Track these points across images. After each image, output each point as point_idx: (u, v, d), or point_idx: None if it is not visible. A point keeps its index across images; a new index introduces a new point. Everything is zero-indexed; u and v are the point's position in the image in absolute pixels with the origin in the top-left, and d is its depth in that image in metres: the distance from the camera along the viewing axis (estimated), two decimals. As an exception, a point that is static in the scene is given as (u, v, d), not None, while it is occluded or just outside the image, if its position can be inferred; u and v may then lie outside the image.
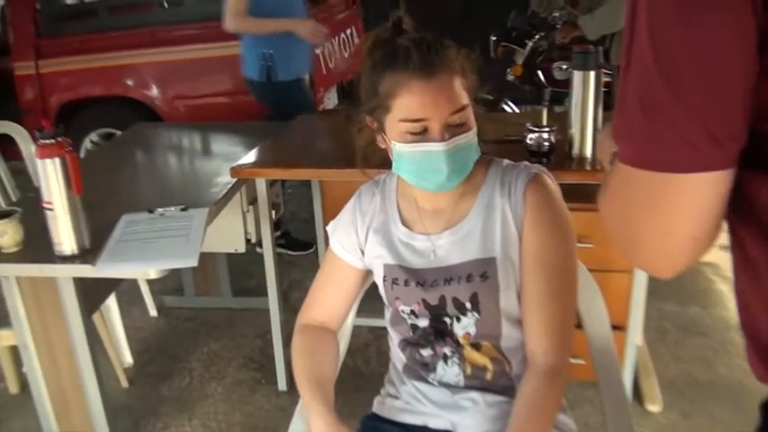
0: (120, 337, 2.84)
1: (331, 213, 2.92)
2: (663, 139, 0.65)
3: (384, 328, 3.00)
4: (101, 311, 2.58)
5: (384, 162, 1.37)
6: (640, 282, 2.28)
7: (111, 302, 2.75)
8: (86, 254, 1.80)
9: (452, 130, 1.24)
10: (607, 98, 2.16)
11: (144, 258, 1.78)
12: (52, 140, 1.72)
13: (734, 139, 0.65)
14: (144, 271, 1.80)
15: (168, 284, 3.40)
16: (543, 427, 1.27)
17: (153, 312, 3.25)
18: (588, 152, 2.13)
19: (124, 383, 2.75)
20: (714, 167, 0.65)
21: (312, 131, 2.95)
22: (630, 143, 0.69)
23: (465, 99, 1.26)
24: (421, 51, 1.23)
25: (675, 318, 3.01)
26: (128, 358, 2.88)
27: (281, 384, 2.70)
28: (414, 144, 1.25)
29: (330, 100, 4.45)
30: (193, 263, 1.76)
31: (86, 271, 1.76)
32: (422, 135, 1.24)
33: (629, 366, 2.32)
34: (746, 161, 0.67)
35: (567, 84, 2.15)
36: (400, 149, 1.28)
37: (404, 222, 1.39)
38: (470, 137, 1.27)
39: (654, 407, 2.46)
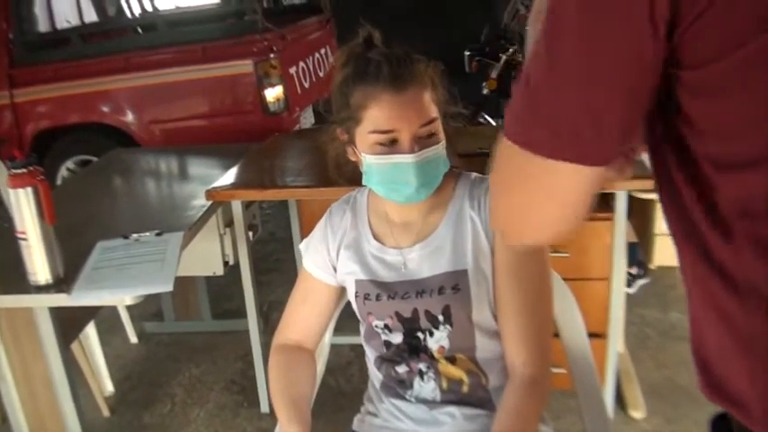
0: (101, 366, 2.81)
1: (308, 233, 2.94)
2: (534, 121, 0.69)
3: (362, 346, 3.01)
4: (80, 340, 2.56)
5: (354, 175, 1.38)
6: (618, 289, 2.29)
7: (90, 330, 2.73)
8: (61, 283, 1.79)
9: (422, 142, 1.26)
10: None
11: (119, 285, 1.77)
12: (24, 170, 1.71)
13: (603, 144, 0.68)
14: (120, 297, 1.79)
15: (148, 310, 3.38)
16: (525, 437, 1.28)
17: (133, 339, 3.22)
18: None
19: (105, 412, 2.72)
20: (574, 161, 0.68)
21: (288, 151, 2.95)
22: (510, 117, 0.71)
23: (434, 112, 1.28)
24: (391, 65, 1.25)
25: (657, 324, 3.03)
26: (109, 387, 2.85)
27: (263, 406, 2.68)
28: (383, 156, 1.26)
29: (306, 119, 4.46)
30: (168, 287, 1.75)
31: (62, 300, 1.74)
32: (391, 147, 1.26)
33: (610, 373, 2.33)
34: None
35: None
36: (370, 161, 1.29)
37: (375, 237, 1.40)
38: (439, 149, 1.29)
39: (637, 413, 2.47)
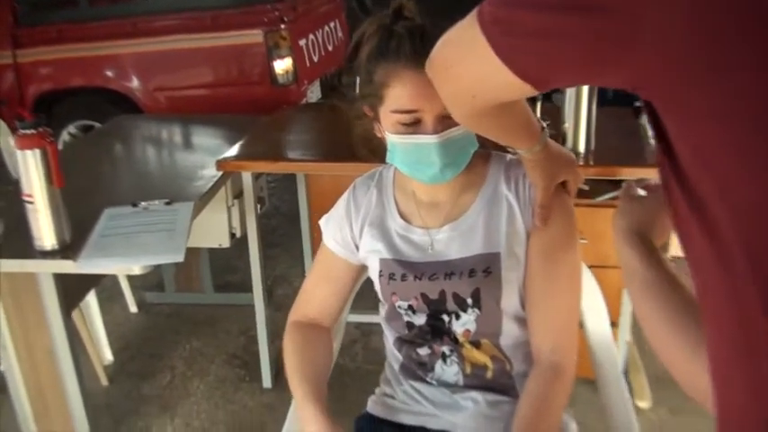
0: (100, 335, 2.77)
1: (317, 208, 2.91)
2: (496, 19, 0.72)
3: (371, 325, 2.98)
4: (80, 308, 2.51)
5: (382, 151, 1.33)
6: (632, 278, 2.26)
7: (91, 299, 2.68)
8: (67, 249, 1.74)
9: (446, 122, 1.19)
10: (602, 90, 2.13)
11: (128, 254, 1.72)
12: (33, 131, 1.66)
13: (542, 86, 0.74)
14: (128, 266, 1.73)
15: (149, 280, 3.33)
16: (550, 426, 1.24)
17: (133, 309, 3.18)
18: (582, 147, 2.10)
19: (104, 382, 2.68)
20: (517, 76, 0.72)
21: (297, 124, 2.90)
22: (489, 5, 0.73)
23: None
24: (413, 41, 1.18)
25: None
26: (108, 356, 2.81)
27: (266, 382, 2.65)
28: (406, 136, 1.21)
29: (313, 93, 4.39)
30: (179, 258, 1.70)
31: (68, 266, 1.69)
32: (414, 126, 1.20)
33: (620, 363, 2.30)
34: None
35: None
36: (393, 141, 1.23)
37: (401, 215, 1.35)
38: (466, 129, 1.23)
39: (643, 403, 2.45)
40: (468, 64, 0.81)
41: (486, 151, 1.33)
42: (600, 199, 2.13)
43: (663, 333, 0.81)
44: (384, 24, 1.23)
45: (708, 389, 0.73)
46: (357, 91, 1.28)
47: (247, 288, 3.29)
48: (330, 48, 4.57)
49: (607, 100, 2.25)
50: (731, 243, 0.57)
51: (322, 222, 1.45)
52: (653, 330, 0.83)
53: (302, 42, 4.02)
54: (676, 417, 2.41)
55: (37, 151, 1.66)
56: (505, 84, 0.75)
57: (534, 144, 1.21)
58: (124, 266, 1.74)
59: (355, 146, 1.37)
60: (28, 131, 1.66)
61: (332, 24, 4.65)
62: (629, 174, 2.11)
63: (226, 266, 3.47)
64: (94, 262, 1.68)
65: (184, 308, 3.23)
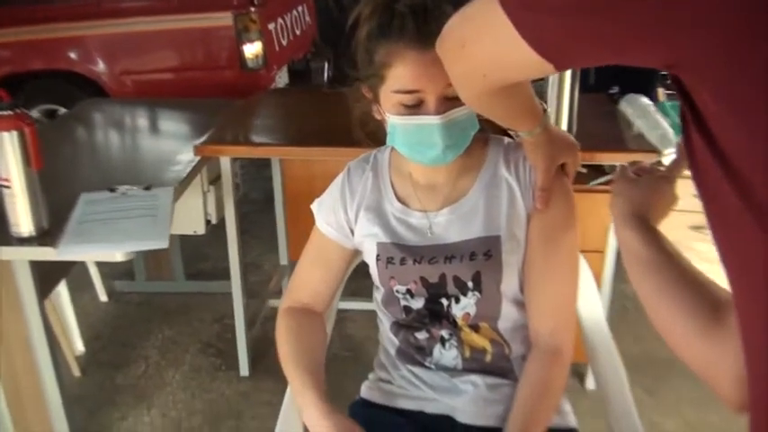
0: (72, 324, 2.70)
1: (291, 193, 2.87)
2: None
3: (345, 312, 2.97)
4: (50, 298, 2.44)
5: (377, 134, 1.31)
6: (612, 262, 2.29)
7: (62, 288, 2.61)
8: (45, 235, 1.68)
9: (449, 103, 1.18)
10: (584, 76, 2.13)
11: (109, 240, 1.67)
12: (9, 112, 1.59)
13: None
14: (110, 253, 1.68)
15: (118, 269, 3.26)
16: (549, 410, 1.25)
17: (103, 298, 3.11)
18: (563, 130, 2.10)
19: (76, 372, 2.62)
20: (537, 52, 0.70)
21: (269, 109, 2.86)
22: None
23: None
24: (417, 19, 1.16)
25: (634, 298, 3.00)
26: (79, 346, 2.75)
27: (243, 370, 2.62)
28: (408, 117, 1.19)
29: (281, 79, 4.33)
30: (164, 244, 1.66)
31: (48, 254, 1.64)
32: (416, 108, 1.18)
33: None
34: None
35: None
36: (394, 122, 1.21)
37: (398, 198, 1.33)
38: (468, 110, 1.21)
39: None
40: (485, 42, 0.80)
41: (485, 134, 1.32)
42: (592, 184, 2.15)
43: (667, 312, 0.80)
44: (384, 3, 1.21)
45: (717, 363, 0.73)
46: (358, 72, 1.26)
47: (219, 276, 3.25)
48: (298, 32, 4.52)
49: (588, 86, 2.26)
50: None
51: (314, 206, 1.42)
52: (657, 310, 0.82)
53: (271, 26, 3.97)
54: (652, 397, 2.46)
55: (14, 133, 1.60)
56: (523, 62, 0.74)
57: (536, 126, 1.20)
58: (107, 253, 1.68)
59: (353, 129, 1.35)
60: (5, 113, 1.59)
61: (300, 8, 4.60)
62: (609, 159, 2.14)
63: (196, 254, 3.42)
64: (75, 249, 1.63)
65: (155, 296, 3.17)
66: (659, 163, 1.12)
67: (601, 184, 2.13)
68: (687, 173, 1.13)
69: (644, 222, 0.95)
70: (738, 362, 0.69)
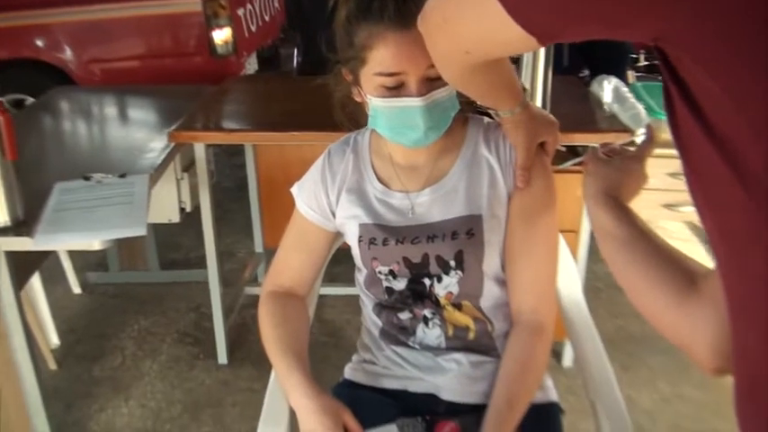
0: (46, 317, 2.66)
1: (265, 180, 2.86)
2: None
3: (323, 297, 2.96)
4: (24, 290, 2.41)
5: (357, 117, 1.31)
6: (586, 242, 2.32)
7: (35, 280, 2.57)
8: (21, 225, 1.66)
9: (430, 84, 1.18)
10: (557, 58, 2.15)
11: (87, 228, 1.65)
12: (-18, 101, 1.56)
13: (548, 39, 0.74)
14: (88, 241, 1.67)
15: (91, 260, 3.23)
16: (533, 385, 1.27)
17: (77, 290, 3.07)
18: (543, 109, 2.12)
19: (52, 366, 2.59)
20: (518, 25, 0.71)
21: (242, 95, 2.84)
22: None
23: None
24: (397, 1, 1.16)
25: (607, 278, 3.09)
26: (54, 339, 2.72)
27: (222, 358, 2.61)
28: (390, 99, 1.19)
29: (251, 65, 4.30)
30: (142, 231, 1.65)
31: (25, 243, 1.61)
32: (398, 89, 1.19)
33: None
34: None
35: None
36: (376, 104, 1.21)
37: (379, 180, 1.34)
38: (449, 90, 1.22)
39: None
40: (468, 18, 0.80)
41: (464, 115, 1.33)
42: (564, 165, 2.17)
43: (642, 287, 0.82)
44: None
45: (693, 332, 0.75)
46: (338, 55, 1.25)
47: (193, 265, 3.24)
48: (267, 18, 4.49)
49: (562, 68, 2.28)
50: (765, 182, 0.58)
51: (294, 190, 1.42)
52: (632, 285, 0.84)
53: (240, 12, 3.93)
54: (628, 373, 2.51)
55: (-13, 122, 1.57)
56: (507, 38, 0.74)
57: (516, 105, 1.21)
58: (84, 241, 1.67)
59: (334, 112, 1.34)
60: (-24, 102, 1.56)
61: (269, -5, 4.56)
62: (583, 139, 2.16)
63: (169, 244, 3.39)
64: (53, 238, 1.61)
65: (130, 287, 3.14)
66: (630, 143, 1.15)
67: (574, 165, 2.15)
68: (658, 152, 1.16)
69: (615, 200, 0.97)
70: (713, 329, 0.71)
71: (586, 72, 3.45)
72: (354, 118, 1.33)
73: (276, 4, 4.75)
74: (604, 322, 2.80)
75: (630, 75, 3.41)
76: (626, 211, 0.94)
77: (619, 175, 1.03)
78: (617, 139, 1.19)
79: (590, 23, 0.70)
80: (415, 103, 1.18)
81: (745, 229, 0.62)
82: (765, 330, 0.63)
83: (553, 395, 1.39)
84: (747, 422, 0.68)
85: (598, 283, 3.04)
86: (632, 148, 1.14)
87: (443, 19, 0.86)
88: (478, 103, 1.24)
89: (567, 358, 2.57)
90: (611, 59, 3.29)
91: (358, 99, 1.27)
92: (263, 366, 1.33)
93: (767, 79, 0.57)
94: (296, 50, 4.72)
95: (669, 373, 2.48)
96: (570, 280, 1.56)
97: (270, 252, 1.40)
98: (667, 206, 3.04)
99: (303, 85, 2.92)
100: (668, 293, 0.78)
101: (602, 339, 2.69)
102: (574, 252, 2.29)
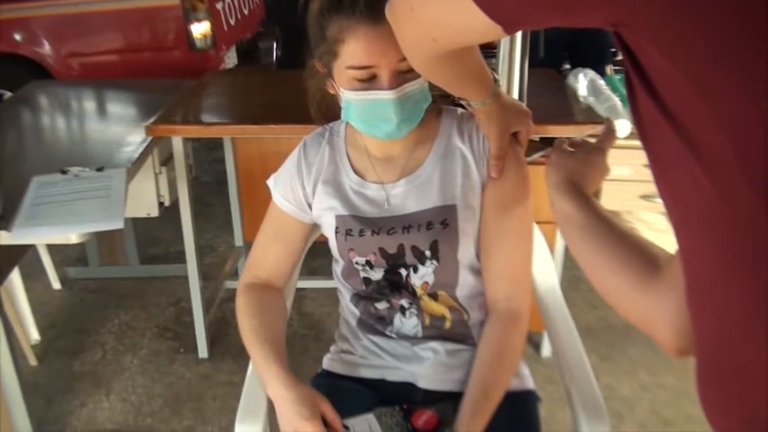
0: (26, 313, 2.65)
1: (244, 174, 2.86)
2: None
3: (303, 290, 2.97)
4: (4, 286, 2.40)
5: (332, 110, 1.32)
6: (564, 232, 2.34)
7: (14, 276, 2.56)
8: (-2, 219, 1.65)
9: (402, 76, 1.19)
10: (533, 50, 2.17)
11: (64, 222, 1.64)
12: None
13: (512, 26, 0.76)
14: (66, 235, 1.66)
15: (71, 255, 3.21)
16: (508, 372, 1.28)
17: (56, 285, 3.06)
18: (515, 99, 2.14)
19: (33, 361, 2.58)
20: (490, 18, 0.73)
21: (221, 89, 2.83)
22: None
23: None
24: None
25: (586, 268, 3.12)
26: (34, 335, 2.70)
27: (202, 352, 2.61)
28: (362, 92, 1.20)
29: (230, 59, 4.28)
30: (119, 225, 1.64)
31: (2, 237, 1.60)
32: (370, 82, 1.19)
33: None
34: None
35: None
36: (348, 97, 1.22)
37: (355, 171, 1.35)
38: (421, 83, 1.23)
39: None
40: (434, 5, 0.82)
41: (438, 106, 1.34)
42: (533, 157, 2.19)
43: (606, 272, 0.83)
44: None
45: (655, 314, 0.76)
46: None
47: (173, 259, 3.23)
48: (246, 11, 4.47)
49: (538, 61, 2.30)
50: (732, 171, 0.59)
51: (270, 182, 1.43)
52: (596, 272, 0.85)
53: (219, 6, 3.92)
54: (607, 363, 2.54)
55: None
56: (473, 26, 0.75)
57: (487, 95, 1.22)
58: (62, 235, 1.66)
59: (310, 105, 1.35)
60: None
61: (248, -12, 4.55)
62: (558, 131, 2.17)
63: (148, 238, 3.38)
64: (30, 231, 1.61)
65: (109, 282, 3.13)
66: (591, 136, 1.18)
67: (540, 156, 2.17)
68: (634, 143, 1.18)
69: (577, 189, 0.99)
70: (676, 311, 0.73)
71: (568, 66, 3.47)
72: (330, 110, 1.33)
73: (256, -1, 4.73)
74: (585, 313, 2.83)
75: (609, 68, 3.44)
76: (588, 199, 0.96)
77: (581, 165, 1.06)
78: (594, 131, 1.21)
79: (551, 10, 0.71)
80: (386, 96, 1.19)
81: (705, 212, 0.63)
82: (725, 314, 0.65)
83: (530, 383, 1.41)
84: (710, 403, 0.69)
85: (577, 273, 3.07)
86: (593, 140, 1.17)
87: (410, 8, 0.87)
88: (449, 92, 1.25)
89: (546, 348, 2.59)
90: (592, 53, 3.32)
91: (332, 91, 1.28)
92: (244, 360, 1.34)
93: (728, 63, 0.58)
94: (275, 44, 4.71)
95: (650, 363, 2.51)
96: (546, 269, 1.58)
97: (249, 245, 1.40)
98: (644, 197, 3.06)
99: (282, 78, 2.92)
100: (631, 277, 0.79)
101: (582, 330, 2.71)
102: (551, 243, 2.32)
